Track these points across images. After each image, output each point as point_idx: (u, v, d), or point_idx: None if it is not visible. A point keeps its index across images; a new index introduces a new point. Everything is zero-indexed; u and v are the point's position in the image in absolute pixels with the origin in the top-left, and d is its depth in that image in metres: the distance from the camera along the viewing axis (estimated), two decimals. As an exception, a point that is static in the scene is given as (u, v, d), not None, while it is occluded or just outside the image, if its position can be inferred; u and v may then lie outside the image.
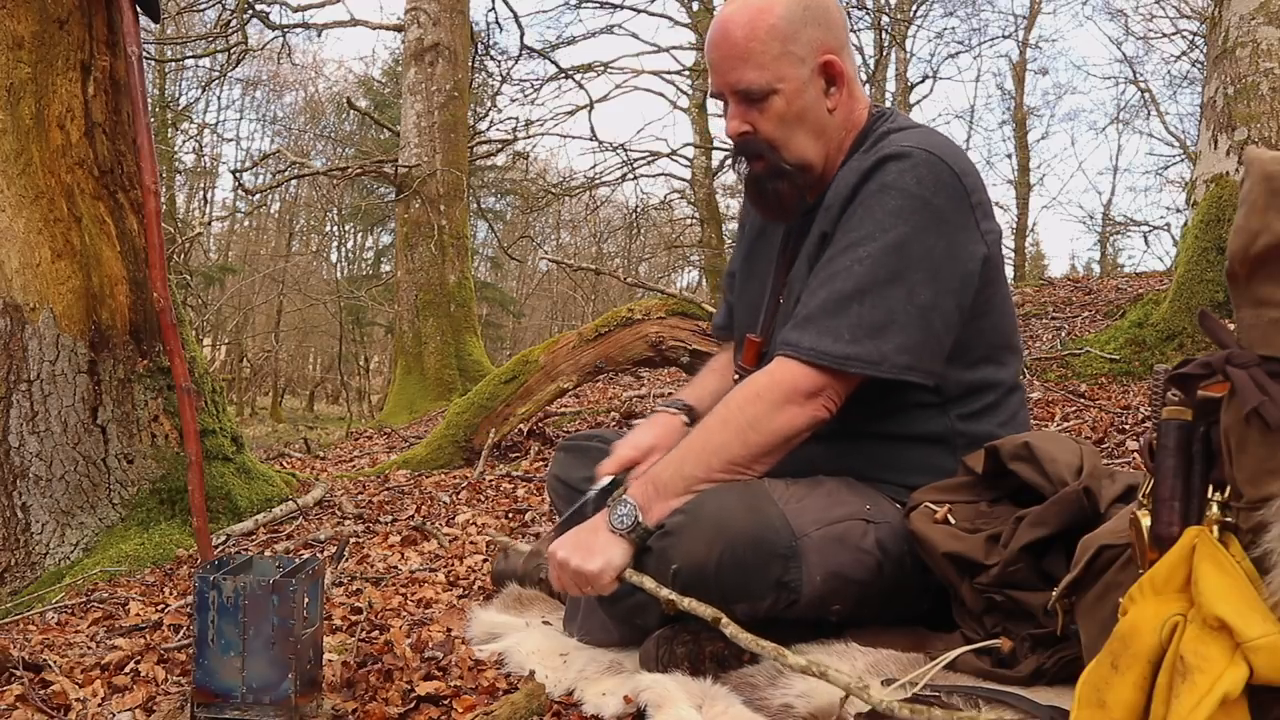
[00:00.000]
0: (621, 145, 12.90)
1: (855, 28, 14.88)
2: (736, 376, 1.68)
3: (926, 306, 1.44)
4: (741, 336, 1.74)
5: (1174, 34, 16.03)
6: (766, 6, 1.52)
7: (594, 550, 1.44)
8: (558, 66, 11.57)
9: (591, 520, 1.50)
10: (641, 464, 1.60)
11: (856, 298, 1.43)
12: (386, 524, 3.08)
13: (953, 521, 1.44)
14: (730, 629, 1.29)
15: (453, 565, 2.49)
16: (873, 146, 1.55)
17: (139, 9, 2.71)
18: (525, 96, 12.97)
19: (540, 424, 4.86)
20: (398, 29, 10.12)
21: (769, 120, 1.55)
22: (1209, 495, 0.90)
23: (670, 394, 1.83)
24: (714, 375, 1.85)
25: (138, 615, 2.17)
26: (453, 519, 3.11)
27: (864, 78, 15.71)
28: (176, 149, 16.71)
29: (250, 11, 9.48)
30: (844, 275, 1.45)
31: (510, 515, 3.11)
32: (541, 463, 4.07)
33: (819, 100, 1.56)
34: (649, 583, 1.40)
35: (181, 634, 1.93)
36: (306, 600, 1.37)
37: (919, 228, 1.44)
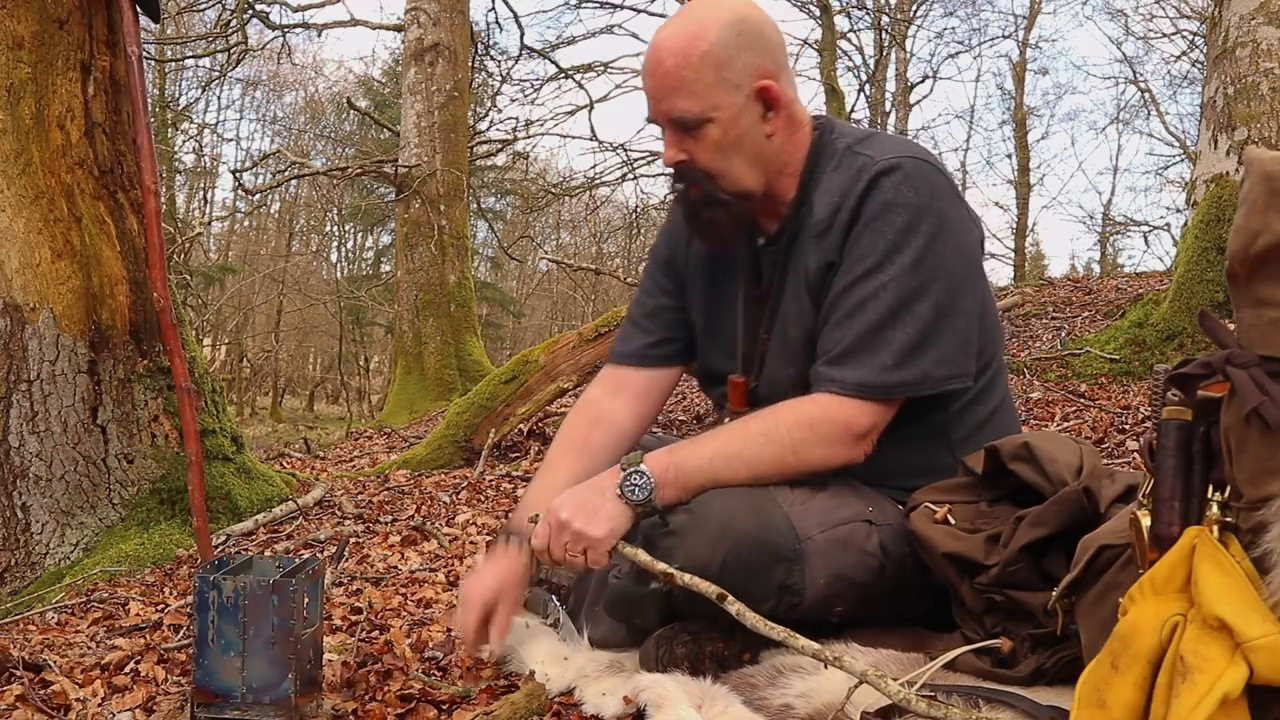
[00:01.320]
0: (621, 145, 12.86)
1: (855, 28, 14.88)
2: (728, 419, 1.65)
3: (951, 311, 1.46)
4: (719, 375, 1.71)
5: (1174, 34, 16.04)
6: (699, 32, 1.47)
7: (599, 514, 1.43)
8: (558, 66, 11.56)
9: (596, 482, 1.47)
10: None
11: (890, 324, 1.44)
12: (386, 524, 3.08)
13: (953, 521, 1.44)
14: (735, 607, 1.28)
15: (453, 565, 2.49)
16: (840, 164, 1.53)
17: (139, 9, 2.71)
18: (525, 96, 12.96)
19: (540, 424, 4.86)
20: (398, 29, 10.12)
21: (705, 149, 1.51)
22: (1209, 495, 0.90)
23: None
24: (573, 456, 1.69)
25: (138, 615, 2.17)
26: (453, 519, 3.11)
27: (864, 78, 15.70)
28: (176, 149, 16.72)
29: (250, 11, 9.48)
30: (872, 303, 1.45)
31: (510, 515, 3.11)
32: (541, 463, 4.06)
33: (756, 126, 1.52)
34: (644, 555, 1.39)
35: (181, 634, 1.93)
36: (306, 600, 1.37)
37: (930, 237, 1.45)
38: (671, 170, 1.56)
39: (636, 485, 1.43)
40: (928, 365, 1.44)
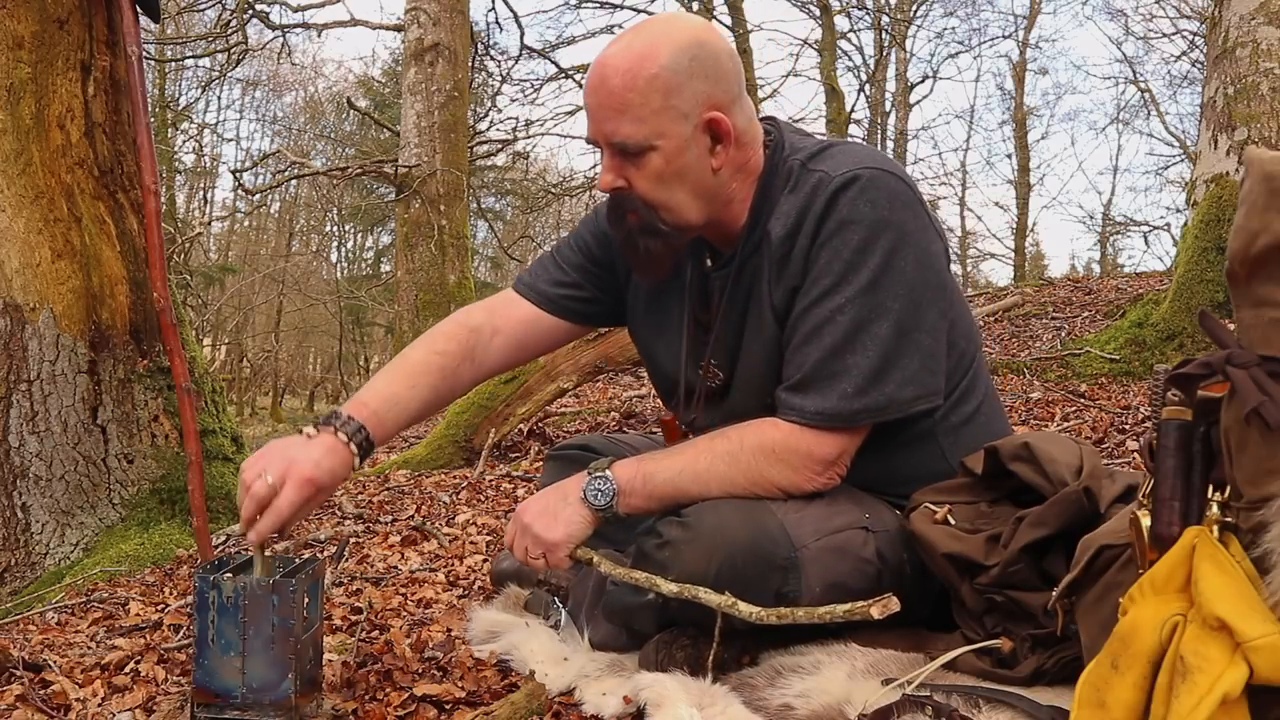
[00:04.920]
0: (621, 145, 12.85)
1: (855, 28, 14.90)
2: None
3: (914, 329, 1.40)
4: (665, 390, 1.69)
5: (1174, 34, 16.06)
6: (649, 54, 1.37)
7: (558, 519, 1.44)
8: (558, 66, 11.56)
9: (563, 486, 1.48)
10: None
11: (848, 348, 1.39)
12: (386, 524, 3.08)
13: (953, 522, 1.44)
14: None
15: (453, 565, 2.49)
16: (795, 184, 1.45)
17: (139, 9, 2.70)
18: (525, 96, 13.00)
19: (540, 424, 4.86)
20: (398, 29, 10.12)
21: (645, 178, 1.42)
22: (1209, 495, 0.90)
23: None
24: (436, 379, 1.59)
25: (138, 615, 2.17)
26: (453, 519, 3.11)
27: (864, 78, 15.71)
28: (176, 149, 16.73)
29: (250, 11, 9.49)
30: (829, 327, 1.39)
31: (509, 515, 3.10)
32: (541, 463, 4.06)
33: (702, 159, 1.43)
34: (599, 560, 1.42)
35: (181, 634, 1.93)
36: (306, 600, 1.37)
37: (888, 252, 1.39)
38: (608, 197, 1.49)
39: (599, 490, 1.43)
40: (891, 389, 1.39)
